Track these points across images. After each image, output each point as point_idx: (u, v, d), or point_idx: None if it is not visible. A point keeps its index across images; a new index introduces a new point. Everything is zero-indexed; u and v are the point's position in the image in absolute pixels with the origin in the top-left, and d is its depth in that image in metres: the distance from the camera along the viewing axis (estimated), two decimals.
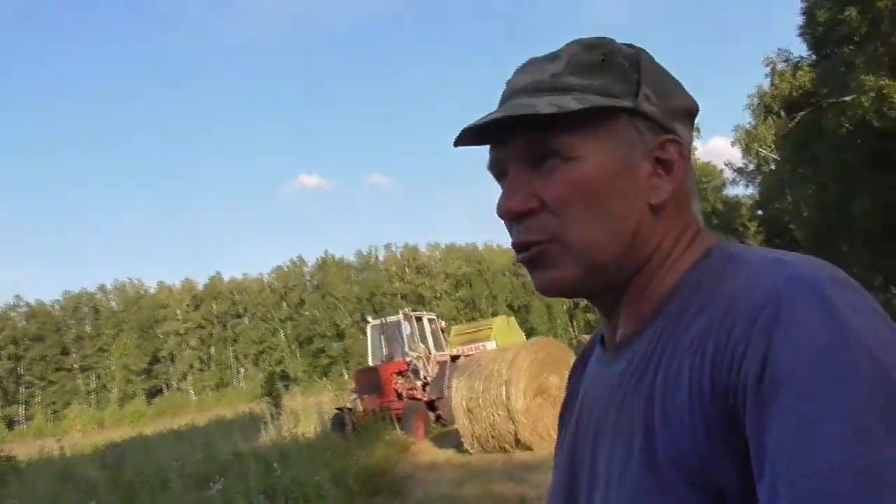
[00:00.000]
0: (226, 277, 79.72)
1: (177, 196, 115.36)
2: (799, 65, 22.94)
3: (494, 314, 53.56)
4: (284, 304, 76.89)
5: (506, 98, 0.82)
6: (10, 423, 68.04)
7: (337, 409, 15.52)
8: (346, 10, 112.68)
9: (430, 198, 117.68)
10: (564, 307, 68.14)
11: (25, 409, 71.27)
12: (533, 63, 0.82)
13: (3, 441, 39.30)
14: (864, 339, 0.60)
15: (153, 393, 72.76)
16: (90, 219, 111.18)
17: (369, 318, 17.62)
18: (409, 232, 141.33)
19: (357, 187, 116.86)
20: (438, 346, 16.69)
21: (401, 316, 16.33)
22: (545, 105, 0.75)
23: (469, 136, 0.80)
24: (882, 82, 18.14)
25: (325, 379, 63.55)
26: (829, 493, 0.54)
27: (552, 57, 0.81)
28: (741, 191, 45.64)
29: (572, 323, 62.95)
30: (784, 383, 0.59)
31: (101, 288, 78.68)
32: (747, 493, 0.61)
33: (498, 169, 0.81)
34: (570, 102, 0.75)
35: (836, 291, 0.63)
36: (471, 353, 16.69)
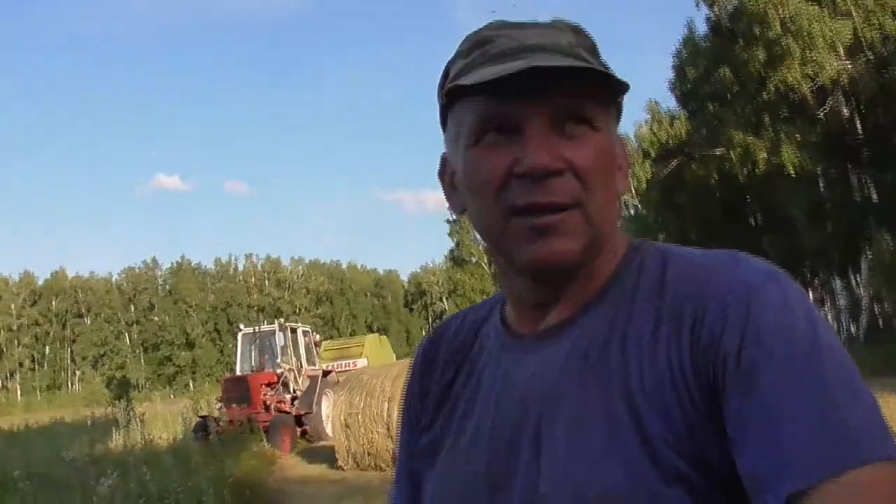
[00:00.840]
0: (70, 274, 74.73)
1: (23, 184, 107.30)
2: (676, 115, 24.72)
3: (353, 334, 53.25)
4: (133, 306, 73.00)
5: (512, 52, 0.75)
6: None
7: (200, 416, 14.95)
8: (228, 7, 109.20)
9: (293, 211, 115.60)
10: (423, 331, 68.96)
11: None
12: (533, 26, 0.79)
13: None
14: (818, 321, 0.68)
15: None
16: None
17: (241, 326, 17.16)
18: (271, 244, 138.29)
19: (218, 193, 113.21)
20: (311, 360, 16.45)
21: (276, 326, 16.01)
22: (599, 67, 0.75)
23: (477, 87, 0.73)
24: (749, 139, 19.81)
25: (169, 388, 60.78)
26: (808, 456, 0.60)
27: (550, 26, 0.79)
28: None
29: None
30: (761, 359, 0.65)
31: None
32: (729, 460, 0.65)
33: (504, 123, 0.75)
34: (611, 70, 0.76)
35: (789, 283, 0.71)
36: (342, 368, 16.56)
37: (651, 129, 25.66)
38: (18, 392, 66.93)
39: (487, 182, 0.75)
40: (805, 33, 17.89)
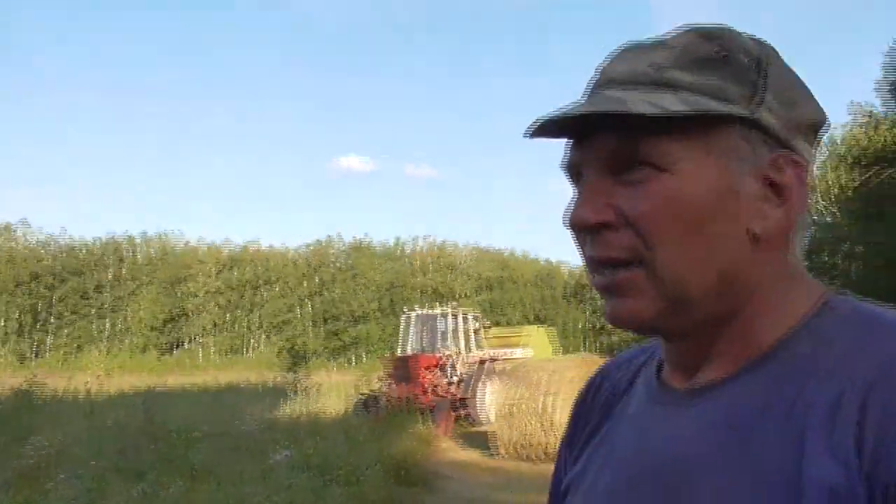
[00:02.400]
0: (255, 246, 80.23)
1: (214, 158, 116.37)
2: (883, 119, 22.48)
3: (518, 322, 53.39)
4: (311, 280, 77.30)
5: (595, 87, 0.70)
6: (35, 352, 69.20)
7: (363, 392, 15.50)
8: None
9: (467, 197, 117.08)
10: (581, 325, 68.15)
11: (53, 339, 72.29)
12: (633, 49, 0.70)
13: (24, 370, 39.85)
14: None
15: (168, 348, 73.45)
16: (130, 165, 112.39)
17: (412, 308, 17.62)
18: (444, 228, 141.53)
19: (399, 175, 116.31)
20: (474, 346, 16.60)
21: (444, 310, 16.29)
22: (640, 103, 0.63)
23: (546, 129, 0.68)
24: None
25: (340, 359, 64.01)
26: None
27: (658, 43, 0.69)
28: None
29: (585, 343, 62.53)
30: None
31: (131, 239, 79.53)
32: None
33: (574, 170, 0.70)
34: (673, 103, 0.64)
35: None
36: (503, 357, 16.58)
37: (853, 133, 23.56)
38: (202, 354, 72.91)
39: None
40: None
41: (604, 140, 0.66)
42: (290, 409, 15.29)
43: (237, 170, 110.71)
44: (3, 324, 71.04)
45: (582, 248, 0.69)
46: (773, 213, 0.66)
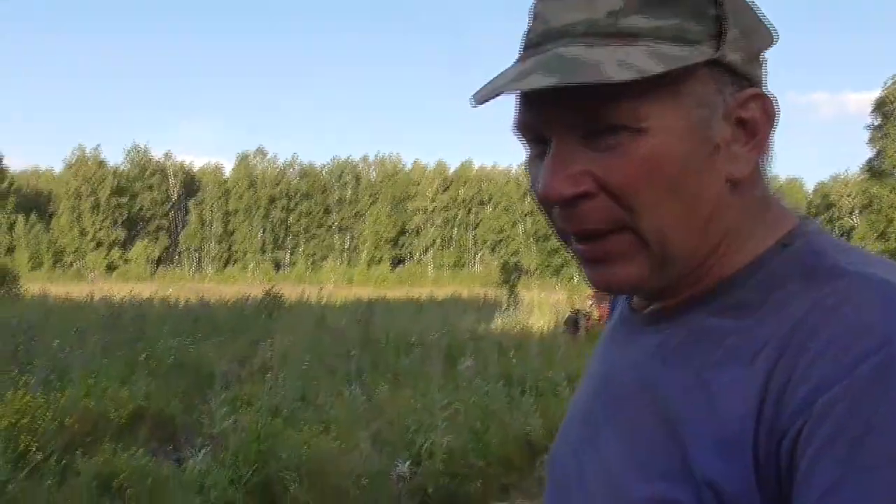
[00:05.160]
0: (475, 165, 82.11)
1: (433, 80, 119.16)
2: None
3: None
4: (528, 198, 78.02)
5: (545, 40, 0.62)
6: (277, 266, 77.26)
7: (571, 310, 15.63)
8: None
9: None
10: None
11: (290, 255, 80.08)
12: None
13: (271, 280, 44.64)
14: None
15: (397, 261, 78.39)
16: (359, 92, 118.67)
17: None
18: None
19: None
20: None
21: None
22: (614, 67, 0.57)
23: (494, 94, 0.61)
24: None
25: (556, 277, 64.61)
26: None
27: None
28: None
29: None
30: (858, 451, 0.50)
31: (364, 158, 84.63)
32: None
33: (530, 132, 0.64)
34: (646, 61, 0.58)
35: None
36: None
37: None
38: (430, 267, 76.85)
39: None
40: None
41: (570, 105, 0.60)
42: (501, 322, 15.84)
43: (445, 91, 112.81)
44: (261, 236, 79.23)
45: (551, 218, 0.66)
46: (747, 154, 0.64)
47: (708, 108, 0.61)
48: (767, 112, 0.64)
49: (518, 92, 0.64)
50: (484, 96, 0.62)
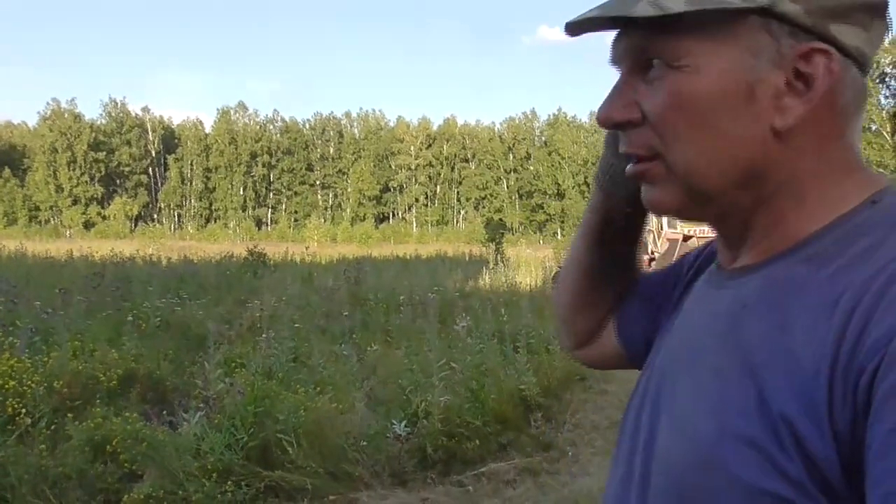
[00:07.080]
0: (459, 122, 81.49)
1: (418, 36, 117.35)
2: None
3: None
4: (511, 155, 77.79)
5: None
6: (259, 224, 76.76)
7: (560, 266, 15.63)
8: None
9: None
10: None
11: (272, 213, 79.53)
12: None
13: (253, 238, 44.43)
14: None
15: (381, 218, 78.17)
16: (342, 48, 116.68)
17: None
18: None
19: (600, 44, 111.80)
20: (672, 224, 16.04)
21: None
22: (642, 5, 0.62)
23: (584, 26, 0.68)
24: None
25: (539, 234, 64.83)
26: None
27: None
28: None
29: None
30: None
31: (347, 114, 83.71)
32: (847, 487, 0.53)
33: (616, 66, 0.71)
34: (677, 1, 0.61)
35: None
36: (700, 234, 15.88)
37: None
38: (414, 224, 76.73)
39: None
40: None
41: (627, 40, 0.68)
42: (489, 279, 15.81)
43: (430, 46, 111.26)
44: (242, 193, 78.41)
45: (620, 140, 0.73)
46: (796, 105, 0.63)
47: (755, 55, 0.62)
48: (831, 70, 0.62)
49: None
50: (570, 28, 0.68)
